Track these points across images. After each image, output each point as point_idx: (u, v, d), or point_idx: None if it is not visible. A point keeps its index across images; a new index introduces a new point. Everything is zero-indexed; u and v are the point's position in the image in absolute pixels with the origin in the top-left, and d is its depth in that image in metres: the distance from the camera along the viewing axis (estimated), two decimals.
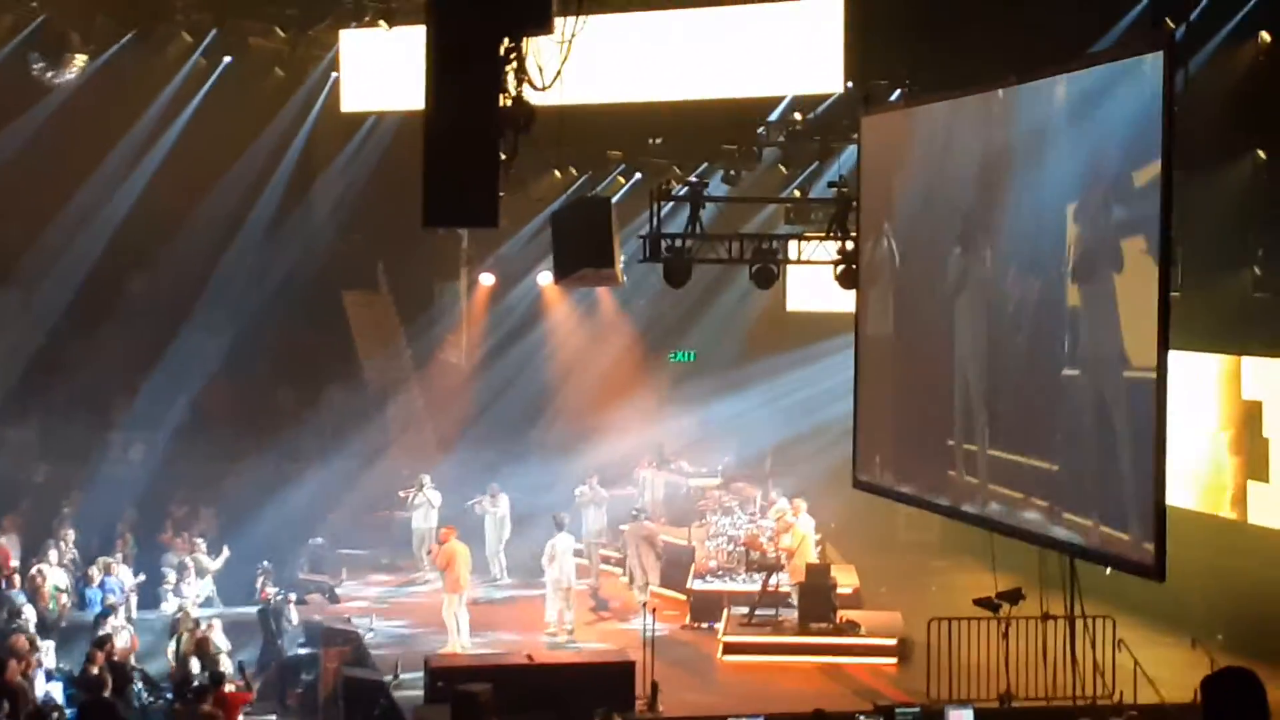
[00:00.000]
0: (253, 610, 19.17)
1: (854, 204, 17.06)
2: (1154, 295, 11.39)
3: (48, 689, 15.61)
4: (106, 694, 14.85)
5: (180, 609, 18.30)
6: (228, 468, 23.52)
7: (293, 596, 19.36)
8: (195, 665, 16.20)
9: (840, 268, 17.67)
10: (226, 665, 16.30)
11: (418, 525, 21.81)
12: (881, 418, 16.12)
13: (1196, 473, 17.67)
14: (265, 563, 20.03)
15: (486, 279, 26.23)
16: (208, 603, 19.85)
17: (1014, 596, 15.20)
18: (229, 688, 15.17)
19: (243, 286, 25.11)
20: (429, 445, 25.29)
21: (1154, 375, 11.45)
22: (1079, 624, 15.03)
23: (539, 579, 19.10)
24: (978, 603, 15.36)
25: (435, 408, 26.38)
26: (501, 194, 9.23)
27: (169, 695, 15.99)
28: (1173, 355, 11.53)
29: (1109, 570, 13.44)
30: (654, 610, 16.88)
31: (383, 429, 25.63)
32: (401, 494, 22.23)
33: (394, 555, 22.54)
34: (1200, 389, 17.40)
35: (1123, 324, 12.02)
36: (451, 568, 18.00)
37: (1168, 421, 11.47)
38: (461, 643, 17.68)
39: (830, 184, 18.56)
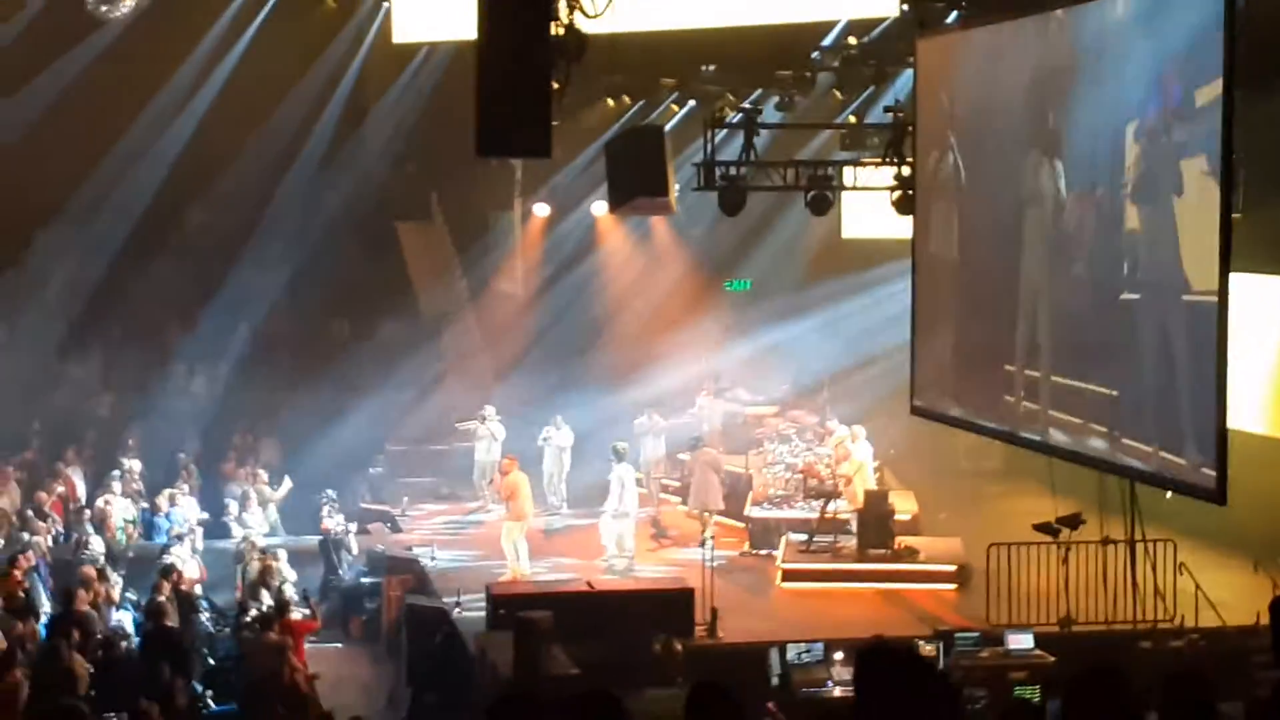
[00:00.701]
0: (312, 539, 19.45)
1: (910, 129, 16.94)
2: (1215, 217, 11.32)
3: (118, 618, 15.95)
4: (172, 623, 15.14)
5: (245, 539, 18.60)
6: (287, 398, 23.80)
7: (353, 527, 19.61)
8: (261, 594, 16.48)
9: (896, 193, 17.58)
10: (292, 594, 16.57)
11: (480, 457, 21.96)
12: (940, 342, 16.10)
13: (1258, 396, 17.57)
14: (330, 492, 20.25)
15: (541, 209, 26.25)
16: (271, 532, 20.18)
17: (1074, 521, 15.26)
18: (295, 616, 15.42)
19: (298, 219, 25.25)
20: (485, 375, 25.43)
21: (1215, 299, 11.39)
22: (1139, 548, 15.08)
23: (597, 509, 19.28)
24: (1037, 528, 15.42)
25: (491, 338, 26.49)
26: (554, 123, 9.29)
27: (236, 624, 16.31)
28: (1234, 278, 11.46)
29: (1170, 494, 13.44)
30: (714, 537, 16.99)
31: (438, 359, 25.79)
32: (459, 425, 22.38)
33: (453, 485, 22.74)
34: (1262, 311, 17.26)
35: (1183, 247, 11.95)
36: (515, 498, 18.17)
37: (1229, 345, 11.42)
38: (521, 570, 17.87)
39: (886, 109, 18.42)
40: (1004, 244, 14.60)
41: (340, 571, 18.77)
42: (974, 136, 15.39)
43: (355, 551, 19.27)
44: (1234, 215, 11.64)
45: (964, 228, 15.63)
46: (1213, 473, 11.57)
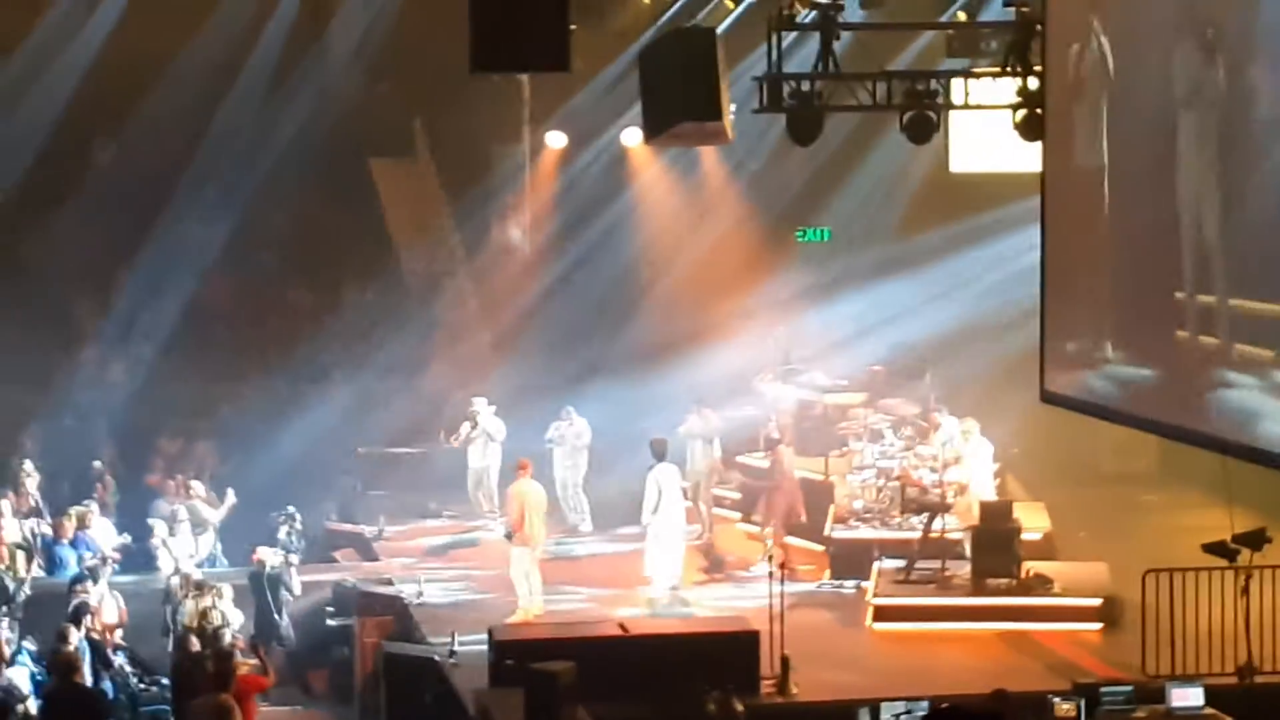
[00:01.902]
0: (265, 572, 19.45)
1: (1039, 26, 16.84)
2: None
3: (10, 674, 15.99)
4: (83, 679, 15.17)
5: (176, 571, 18.64)
6: (229, 390, 23.86)
7: (295, 559, 19.51)
8: (197, 643, 16.49)
9: (1021, 112, 17.48)
10: (237, 641, 16.58)
11: (475, 463, 22.00)
12: (1083, 287, 15.94)
13: None
14: (289, 509, 20.28)
15: (556, 139, 26.22)
16: (209, 561, 20.21)
17: (1257, 539, 15.13)
18: (241, 669, 15.42)
19: (242, 155, 25.26)
20: (484, 355, 25.46)
21: None
22: None
23: (630, 526, 19.23)
24: (1208, 549, 15.31)
25: (492, 307, 26.51)
26: (573, 27, 9.26)
27: (165, 680, 16.32)
28: None
29: None
30: (784, 565, 16.96)
31: (426, 336, 25.82)
32: (449, 440, 22.35)
33: (445, 498, 22.77)
34: None
35: None
36: (522, 514, 18.16)
37: None
38: (534, 608, 17.88)
39: (1006, 2, 18.32)
40: (1163, 145, 14.40)
41: (276, 616, 18.67)
42: (1126, 14, 15.25)
43: (297, 590, 19.15)
44: None
45: (1114, 129, 15.45)
46: None
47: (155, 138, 24.74)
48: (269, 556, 19.15)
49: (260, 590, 18.89)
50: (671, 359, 23.68)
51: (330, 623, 18.83)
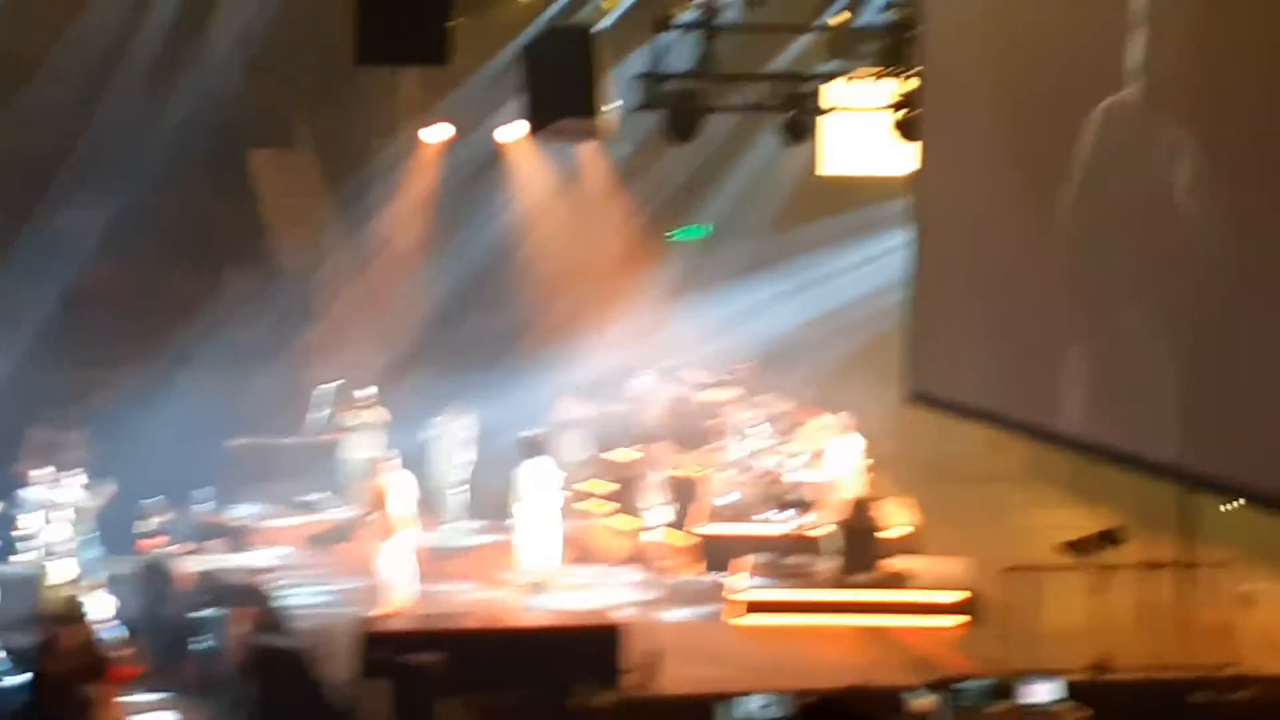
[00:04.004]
0: (135, 562, 19.32)
1: (917, 29, 16.95)
2: None
3: None
4: None
5: (48, 559, 18.45)
6: (104, 376, 23.64)
7: (181, 547, 19.46)
8: (66, 633, 16.32)
9: (900, 113, 17.59)
10: (107, 632, 16.44)
11: (353, 453, 21.93)
12: (952, 286, 16.07)
13: None
14: (160, 499, 20.15)
15: (437, 133, 26.17)
16: (80, 552, 20.00)
17: (1113, 538, 15.36)
18: (110, 659, 15.31)
19: (122, 144, 25.04)
20: (364, 346, 25.37)
21: None
22: (1195, 573, 15.20)
23: (504, 519, 19.25)
24: (1066, 547, 15.51)
25: (371, 298, 26.45)
26: (454, 21, 9.25)
27: (34, 672, 16.16)
28: None
29: (1232, 503, 13.54)
30: (654, 559, 17.02)
31: (304, 326, 25.70)
32: (333, 419, 22.32)
33: (320, 489, 22.68)
34: None
35: None
36: (386, 504, 18.13)
37: None
38: (405, 600, 17.86)
39: (887, 4, 18.44)
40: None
41: (167, 601, 18.63)
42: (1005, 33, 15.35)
43: (189, 576, 19.13)
44: None
45: (991, 148, 15.54)
46: None
47: (35, 126, 24.47)
48: (153, 544, 19.03)
49: (150, 576, 18.77)
50: (548, 353, 23.72)
51: (199, 613, 18.70)
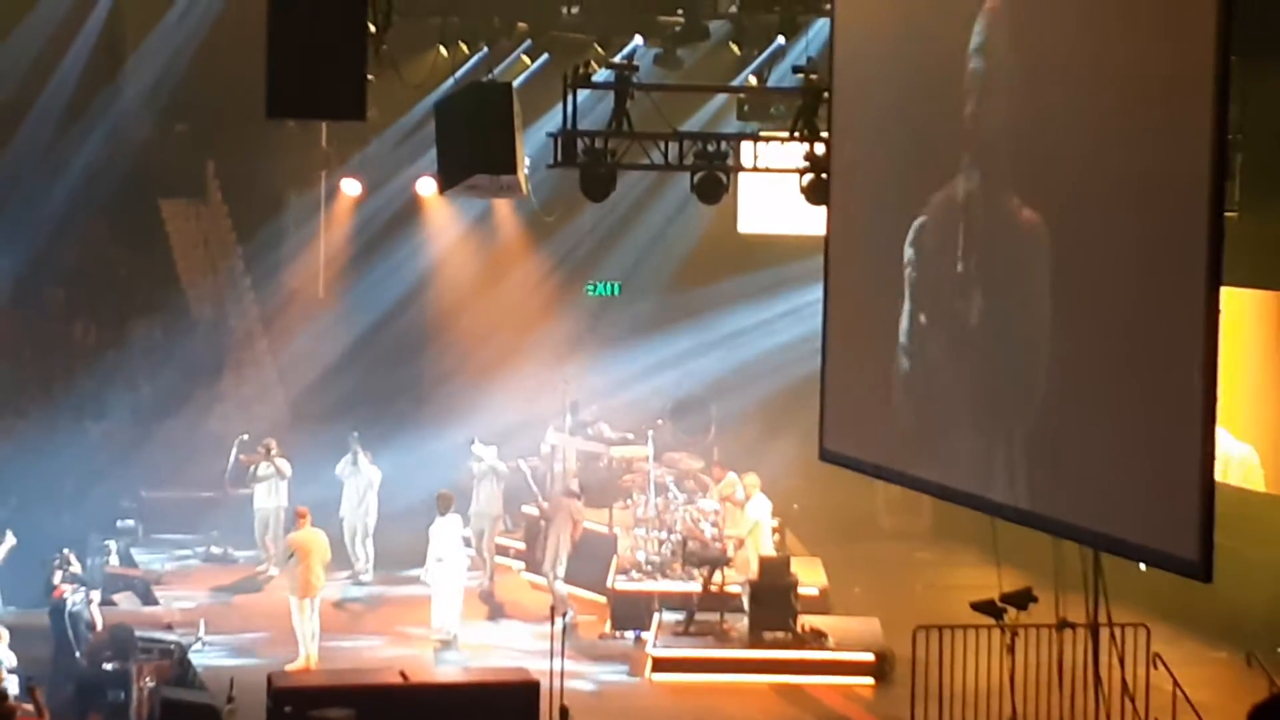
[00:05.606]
0: (42, 613, 19.10)
1: (826, 94, 17.08)
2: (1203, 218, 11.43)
3: None
4: None
5: None
6: (7, 426, 23.39)
7: (95, 595, 19.29)
8: None
9: (808, 177, 17.72)
10: (11, 684, 16.23)
11: (261, 504, 21.78)
12: (863, 346, 16.16)
13: (1256, 444, 17.95)
14: (65, 552, 19.93)
15: (350, 186, 26.12)
16: None
17: (1023, 599, 15.39)
18: (16, 713, 15.11)
19: (30, 192, 24.89)
20: (274, 399, 25.25)
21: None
22: (1104, 634, 15.30)
23: (413, 572, 19.15)
24: (976, 607, 15.55)
25: (282, 351, 26.34)
26: (370, 77, 9.25)
27: None
28: (1225, 292, 11.63)
29: (1143, 566, 13.66)
30: (565, 615, 16.98)
31: (213, 377, 25.55)
32: (243, 459, 22.15)
33: (228, 543, 22.52)
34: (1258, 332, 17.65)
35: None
36: (305, 561, 18.04)
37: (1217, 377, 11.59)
38: (315, 656, 17.73)
39: (796, 69, 18.58)
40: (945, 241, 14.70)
41: (77, 652, 18.42)
42: (896, 107, 15.50)
43: (99, 626, 18.92)
44: (1227, 214, 11.84)
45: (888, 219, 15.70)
46: (1195, 540, 11.73)
47: None
48: (69, 593, 18.82)
49: (60, 625, 18.55)
50: (459, 406, 23.67)
51: (107, 666, 18.47)
